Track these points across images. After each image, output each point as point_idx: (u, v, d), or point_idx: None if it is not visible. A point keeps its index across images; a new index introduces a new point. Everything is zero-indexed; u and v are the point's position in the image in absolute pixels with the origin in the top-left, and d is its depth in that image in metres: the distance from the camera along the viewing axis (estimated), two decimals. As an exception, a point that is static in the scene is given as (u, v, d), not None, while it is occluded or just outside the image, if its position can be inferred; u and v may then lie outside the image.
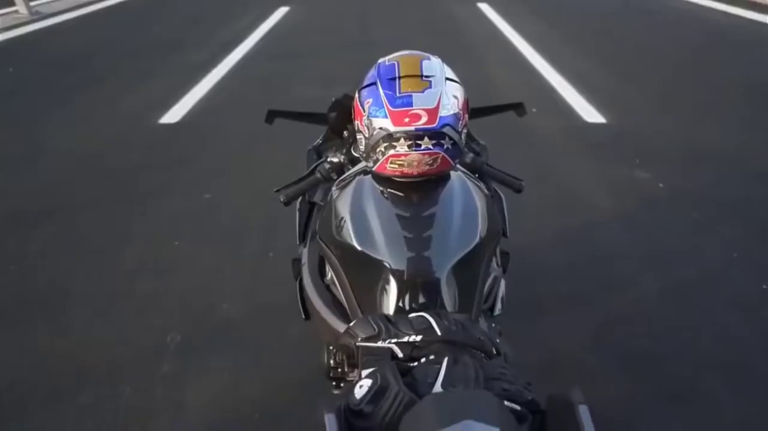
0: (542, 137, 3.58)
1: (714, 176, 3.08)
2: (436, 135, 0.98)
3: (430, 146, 0.99)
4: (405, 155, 1.00)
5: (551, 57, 5.23)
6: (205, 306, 2.14)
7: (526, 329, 1.85)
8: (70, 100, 4.38)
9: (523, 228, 2.46)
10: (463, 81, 1.11)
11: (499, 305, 1.29)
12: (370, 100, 1.02)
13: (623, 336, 1.98)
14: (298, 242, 1.44)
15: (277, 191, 1.30)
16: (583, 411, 0.61)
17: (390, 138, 0.99)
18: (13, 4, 7.54)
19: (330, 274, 1.23)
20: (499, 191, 1.43)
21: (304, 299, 1.32)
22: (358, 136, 1.09)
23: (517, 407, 0.69)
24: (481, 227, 1.04)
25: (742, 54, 5.37)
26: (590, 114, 3.98)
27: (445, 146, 1.00)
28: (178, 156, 3.40)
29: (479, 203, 1.09)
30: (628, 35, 6.19)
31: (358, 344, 0.87)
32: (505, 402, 0.68)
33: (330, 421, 0.63)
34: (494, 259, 1.25)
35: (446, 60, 1.14)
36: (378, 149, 1.02)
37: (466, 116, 1.08)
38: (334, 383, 1.35)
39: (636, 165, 3.20)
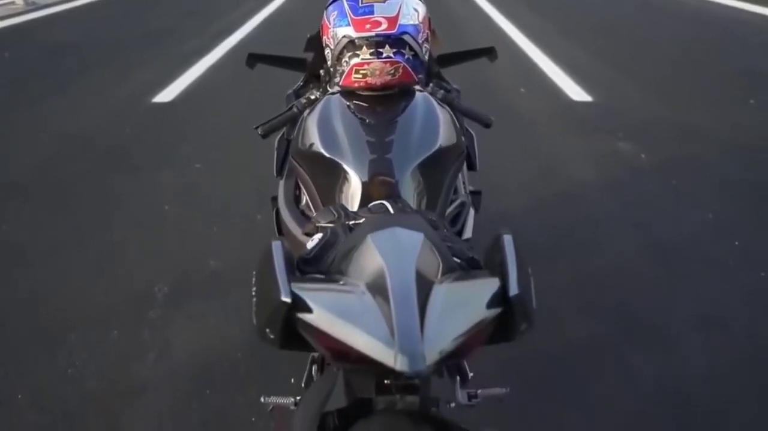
0: (529, 112, 3.64)
1: (694, 149, 3.14)
2: (396, 43, 1.04)
3: (391, 54, 1.05)
4: (368, 64, 1.05)
5: (544, 45, 5.31)
6: (192, 262, 2.19)
7: None
8: (66, 82, 4.45)
9: (507, 191, 2.57)
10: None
11: (468, 232, 1.34)
12: (335, 12, 1.08)
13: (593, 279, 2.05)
14: (275, 175, 1.49)
15: (257, 127, 1.35)
16: (507, 241, 0.64)
17: (353, 46, 1.05)
18: (9, -5, 7.62)
19: (304, 198, 1.28)
20: (470, 130, 1.48)
21: (281, 228, 1.37)
22: (326, 51, 1.15)
23: (458, 260, 0.74)
24: (442, 136, 1.09)
25: (735, 43, 5.46)
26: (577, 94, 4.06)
27: (406, 56, 1.06)
28: (170, 131, 3.47)
29: (441, 116, 1.14)
30: (624, 26, 6.28)
31: (318, 225, 0.92)
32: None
33: (276, 247, 0.63)
34: (461, 184, 1.30)
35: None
36: (343, 60, 1.08)
37: (428, 32, 1.14)
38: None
39: (619, 138, 3.26)
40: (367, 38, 1.03)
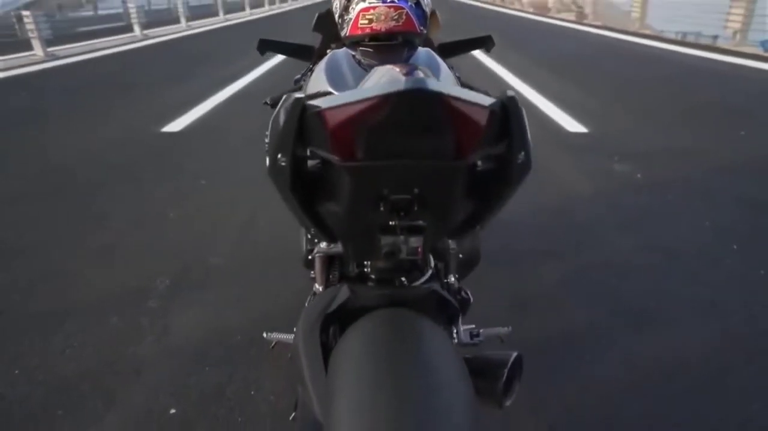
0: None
1: (686, 169, 3.21)
2: None
3: (395, 0, 1.13)
4: (373, 8, 1.13)
5: (534, 83, 5.54)
6: (194, 260, 2.20)
7: (511, 268, 1.95)
8: (78, 115, 4.62)
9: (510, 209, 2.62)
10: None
11: None
12: None
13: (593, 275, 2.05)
14: None
15: (265, 102, 1.42)
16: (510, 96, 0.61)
17: None
18: (32, 48, 8.03)
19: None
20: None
21: None
22: (335, 4, 1.23)
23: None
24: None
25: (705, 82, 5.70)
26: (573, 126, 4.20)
27: (409, 3, 1.14)
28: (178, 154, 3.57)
29: (443, 67, 1.20)
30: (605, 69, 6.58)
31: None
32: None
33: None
34: None
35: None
36: (350, 7, 1.16)
37: None
38: (312, 273, 1.41)
39: (615, 161, 3.35)
40: None
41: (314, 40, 1.53)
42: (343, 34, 1.22)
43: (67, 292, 1.98)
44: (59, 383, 1.53)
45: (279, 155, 0.62)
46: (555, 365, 1.58)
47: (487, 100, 0.57)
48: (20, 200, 2.84)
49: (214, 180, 3.09)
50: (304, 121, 0.59)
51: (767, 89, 5.58)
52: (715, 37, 9.61)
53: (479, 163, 0.70)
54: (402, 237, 0.68)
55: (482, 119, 0.56)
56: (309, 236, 1.36)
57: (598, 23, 13.35)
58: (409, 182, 0.62)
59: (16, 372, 1.58)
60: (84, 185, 3.04)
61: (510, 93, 0.62)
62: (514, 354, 0.86)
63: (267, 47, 1.70)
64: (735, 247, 2.26)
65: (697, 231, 2.41)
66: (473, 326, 1.13)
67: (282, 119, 0.60)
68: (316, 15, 1.58)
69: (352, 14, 1.17)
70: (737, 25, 8.59)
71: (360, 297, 0.84)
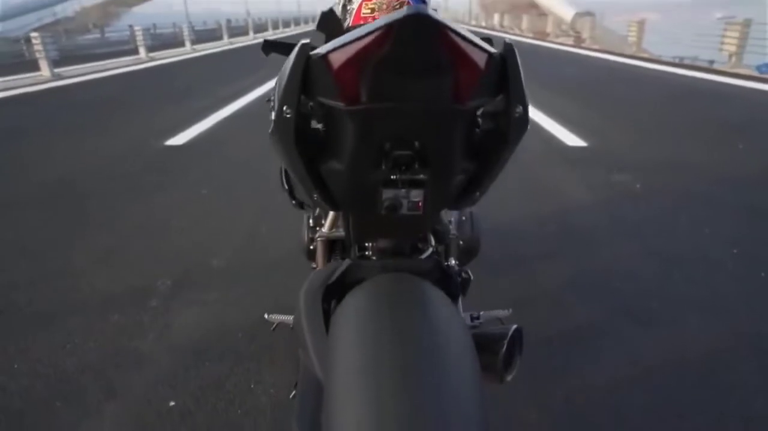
0: (530, 154, 3.79)
1: (685, 179, 3.24)
2: None
3: (397, -14, 1.17)
4: (376, -3, 1.17)
5: (535, 101, 5.62)
6: (196, 263, 2.21)
7: (515, 268, 1.97)
8: (82, 130, 4.68)
9: (512, 214, 2.64)
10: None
11: None
12: None
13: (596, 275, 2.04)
14: None
15: (269, 100, 1.46)
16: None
17: None
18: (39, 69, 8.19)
19: None
20: None
21: (290, 181, 1.42)
22: None
23: None
24: None
25: (704, 99, 5.77)
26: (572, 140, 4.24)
27: (412, -10, 1.18)
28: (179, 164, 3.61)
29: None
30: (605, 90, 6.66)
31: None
32: None
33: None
34: None
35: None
36: None
37: None
38: (313, 264, 1.42)
39: (614, 172, 3.37)
40: None
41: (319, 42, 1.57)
42: (345, 25, 1.26)
43: (70, 290, 1.99)
44: (60, 376, 1.53)
45: (284, 107, 0.63)
46: (554, 361, 1.58)
47: (486, 45, 0.59)
48: (23, 205, 2.87)
49: (214, 185, 3.12)
50: (310, 70, 0.61)
51: (763, 105, 5.66)
52: (711, 61, 9.79)
53: (479, 120, 0.71)
54: (403, 191, 0.69)
55: (481, 61, 0.57)
56: (311, 224, 1.37)
57: (596, 47, 13.59)
58: (410, 131, 0.63)
59: (16, 366, 1.58)
60: (87, 193, 3.07)
61: (508, 40, 0.64)
62: (513, 327, 0.86)
63: (272, 48, 1.74)
64: (735, 251, 2.26)
65: (698, 236, 2.42)
66: (474, 311, 1.13)
67: (288, 69, 0.62)
68: (320, 13, 1.62)
69: (355, 5, 1.20)
70: (732, 48, 8.75)
71: (362, 269, 0.85)
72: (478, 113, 0.70)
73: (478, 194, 0.80)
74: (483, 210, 1.34)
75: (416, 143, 0.65)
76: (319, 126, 0.72)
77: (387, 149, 0.65)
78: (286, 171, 1.44)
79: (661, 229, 2.51)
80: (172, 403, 1.42)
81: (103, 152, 3.96)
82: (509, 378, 0.87)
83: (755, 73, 7.98)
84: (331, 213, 1.16)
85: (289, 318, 1.17)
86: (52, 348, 1.65)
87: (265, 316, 1.20)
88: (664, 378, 1.50)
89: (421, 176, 0.67)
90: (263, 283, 2.02)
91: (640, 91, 6.63)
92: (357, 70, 0.57)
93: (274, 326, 1.26)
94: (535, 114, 5.19)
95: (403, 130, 0.63)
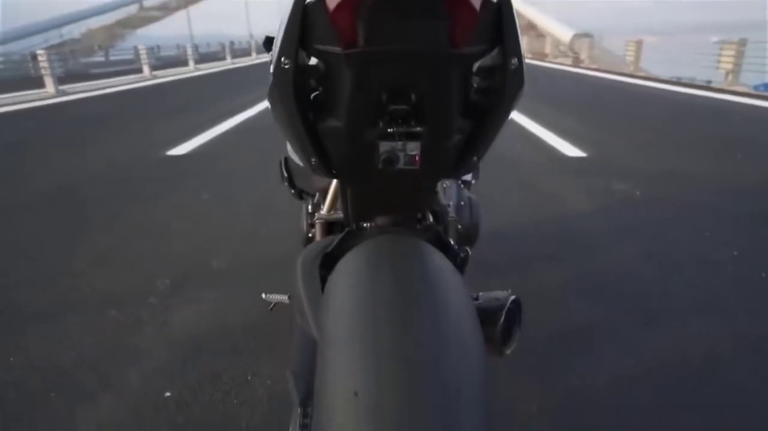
0: (530, 165, 3.81)
1: (685, 187, 3.25)
2: None
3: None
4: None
5: (536, 116, 5.67)
6: (195, 264, 2.21)
7: (518, 272, 1.98)
8: (85, 142, 4.72)
9: (515, 221, 2.65)
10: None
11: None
12: None
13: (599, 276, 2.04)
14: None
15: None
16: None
17: None
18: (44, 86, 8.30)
19: None
20: None
21: (289, 170, 1.43)
22: None
23: None
24: None
25: (702, 114, 5.83)
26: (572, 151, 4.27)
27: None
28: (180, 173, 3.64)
29: None
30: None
31: None
32: None
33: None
34: None
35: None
36: None
37: None
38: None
39: (614, 181, 3.39)
40: None
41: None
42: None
43: (70, 290, 1.99)
44: (57, 370, 1.51)
45: (282, 58, 0.64)
46: (553, 356, 1.57)
47: None
48: (25, 210, 2.88)
49: (214, 190, 3.14)
50: (307, 17, 0.62)
51: (761, 120, 5.71)
52: (709, 81, 9.91)
53: (475, 78, 0.72)
54: (400, 143, 0.69)
55: (476, 3, 0.58)
56: (309, 211, 1.37)
57: (594, 66, 13.77)
58: (407, 77, 0.64)
59: (12, 359, 1.57)
60: (91, 198, 3.09)
61: None
62: (512, 297, 0.85)
63: (272, 45, 1.77)
64: (735, 253, 2.26)
65: (699, 239, 2.42)
66: (473, 292, 1.12)
67: (286, 18, 0.63)
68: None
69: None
70: (729, 66, 8.87)
71: (361, 237, 0.84)
72: (474, 68, 0.71)
73: (475, 158, 0.80)
74: (483, 211, 1.35)
75: (413, 96, 0.66)
76: (318, 88, 0.73)
77: (384, 102, 0.66)
78: (285, 161, 1.45)
79: (662, 232, 2.52)
80: (167, 394, 1.40)
81: (108, 161, 3.99)
82: (508, 351, 0.86)
83: (752, 92, 8.08)
84: (330, 196, 1.16)
85: (285, 298, 1.16)
86: (50, 343, 1.64)
87: (263, 296, 1.20)
88: (664, 378, 1.49)
89: (418, 128, 0.68)
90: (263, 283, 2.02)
91: (638, 107, 6.71)
92: (353, 11, 0.58)
93: (271, 305, 1.25)
94: (533, 127, 5.25)
95: (400, 76, 0.64)
